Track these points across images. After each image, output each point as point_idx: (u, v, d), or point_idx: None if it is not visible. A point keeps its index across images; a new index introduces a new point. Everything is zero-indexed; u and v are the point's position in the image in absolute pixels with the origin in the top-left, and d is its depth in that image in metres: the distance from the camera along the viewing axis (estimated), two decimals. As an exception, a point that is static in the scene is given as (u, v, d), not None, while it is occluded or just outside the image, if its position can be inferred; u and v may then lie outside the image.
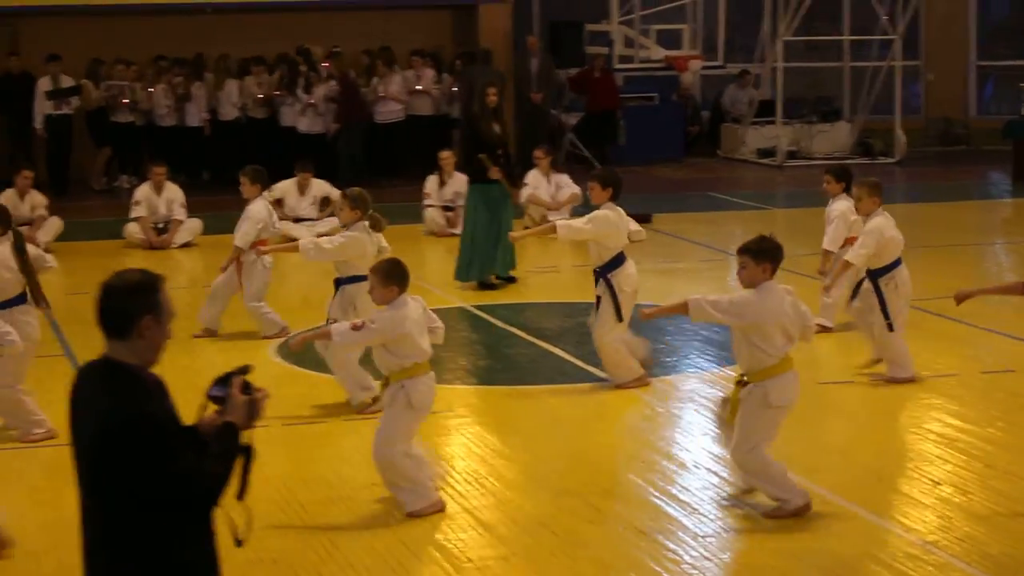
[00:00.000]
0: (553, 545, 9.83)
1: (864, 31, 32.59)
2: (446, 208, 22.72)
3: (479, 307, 17.46)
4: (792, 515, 10.17)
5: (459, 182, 22.78)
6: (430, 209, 22.54)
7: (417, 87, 29.18)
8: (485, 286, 18.40)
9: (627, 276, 13.69)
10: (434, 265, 21.03)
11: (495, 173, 18.26)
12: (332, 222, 22.07)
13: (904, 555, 9.62)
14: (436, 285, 18.80)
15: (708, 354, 15.12)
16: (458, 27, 31.27)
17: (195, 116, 28.35)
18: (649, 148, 30.57)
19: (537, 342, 15.77)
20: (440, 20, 31.19)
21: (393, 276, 10.50)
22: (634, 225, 14.24)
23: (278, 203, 22.18)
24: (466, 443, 12.41)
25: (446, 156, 23.13)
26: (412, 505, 10.41)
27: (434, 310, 16.49)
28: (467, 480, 11.32)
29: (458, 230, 22.42)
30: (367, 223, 13.52)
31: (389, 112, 28.93)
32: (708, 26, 31.85)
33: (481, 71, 27.92)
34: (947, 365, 14.34)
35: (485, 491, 11.11)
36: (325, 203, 22.52)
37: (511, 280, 18.63)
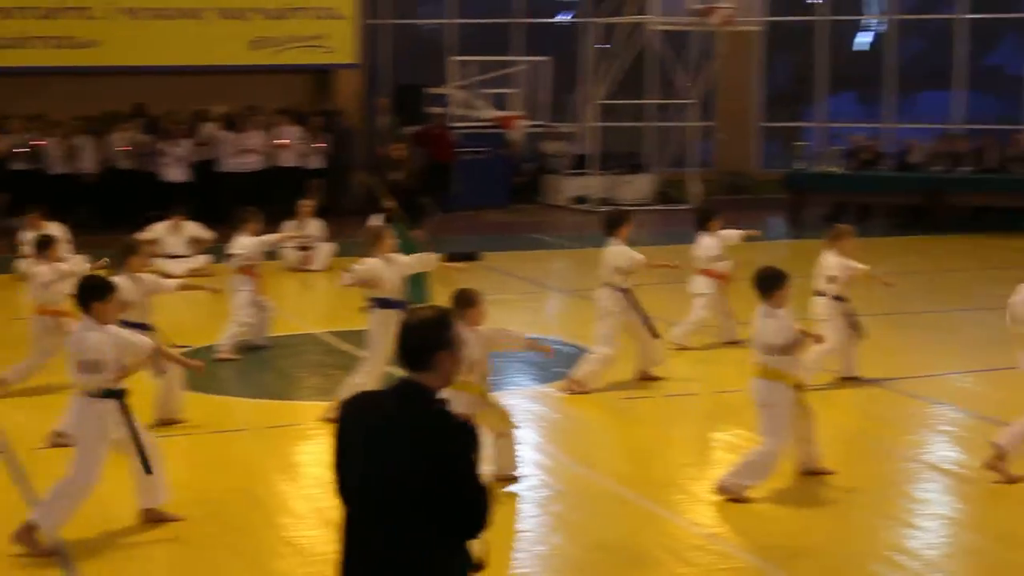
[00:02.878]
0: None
1: (666, 96, 32.94)
2: (302, 248, 22.68)
3: (331, 333, 17.38)
4: None
5: (313, 226, 22.81)
6: (288, 248, 22.43)
7: (281, 140, 29.05)
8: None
9: None
10: (291, 296, 20.99)
11: (389, 205, 18.23)
12: (203, 259, 22.01)
13: (691, 546, 9.72)
14: (293, 314, 18.74)
15: (529, 373, 15.15)
16: (317, 89, 31.18)
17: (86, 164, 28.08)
18: (480, 195, 30.67)
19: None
20: (300, 83, 31.09)
21: None
22: None
23: (154, 243, 22.03)
24: (316, 452, 12.34)
25: (306, 204, 23.13)
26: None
27: (290, 336, 16.64)
28: (317, 485, 11.26)
29: (314, 267, 22.45)
30: None
31: (251, 162, 28.75)
32: (532, 90, 32.03)
33: (378, 131, 28.21)
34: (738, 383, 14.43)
35: (333, 494, 11.04)
36: (196, 242, 22.39)
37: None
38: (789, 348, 10.69)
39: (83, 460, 9.74)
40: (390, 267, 13.36)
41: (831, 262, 14.45)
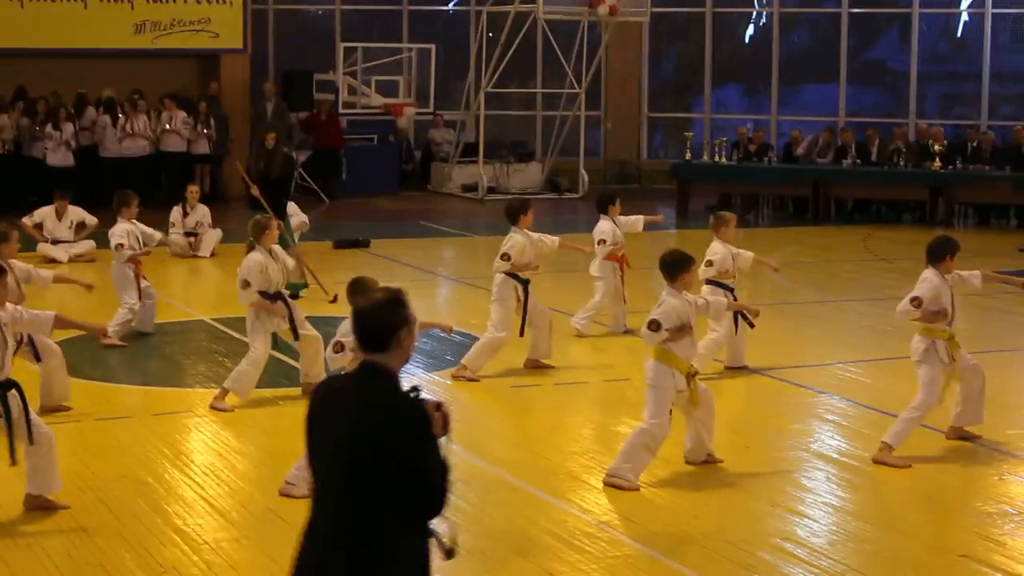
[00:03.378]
0: (281, 529, 9.74)
1: (554, 85, 33.03)
2: (189, 234, 22.50)
3: (218, 320, 17.25)
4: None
5: (201, 212, 22.64)
6: (174, 234, 22.22)
7: (167, 126, 28.81)
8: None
9: None
10: (178, 283, 20.85)
11: (254, 191, 18.13)
12: (88, 244, 21.74)
13: (582, 533, 9.76)
14: (180, 301, 18.61)
15: (419, 361, 15.13)
16: (202, 73, 30.94)
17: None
18: (368, 182, 30.62)
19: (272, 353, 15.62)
20: (186, 67, 30.83)
21: None
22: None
23: (39, 227, 21.75)
24: (204, 440, 12.26)
25: (192, 190, 22.98)
26: None
27: (177, 323, 16.50)
28: (204, 472, 11.19)
29: (201, 253, 22.26)
30: None
31: (137, 148, 28.51)
32: (421, 78, 32.01)
33: (260, 117, 27.99)
34: (629, 371, 14.48)
35: (220, 482, 11.00)
36: (81, 227, 22.11)
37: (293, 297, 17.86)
38: (675, 333, 10.76)
39: None
40: (273, 261, 13.34)
41: (714, 248, 14.56)
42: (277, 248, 13.62)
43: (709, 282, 14.39)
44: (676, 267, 11.03)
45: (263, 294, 13.24)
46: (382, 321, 5.65)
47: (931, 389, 11.59)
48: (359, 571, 5.52)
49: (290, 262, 13.90)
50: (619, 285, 16.50)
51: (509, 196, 30.32)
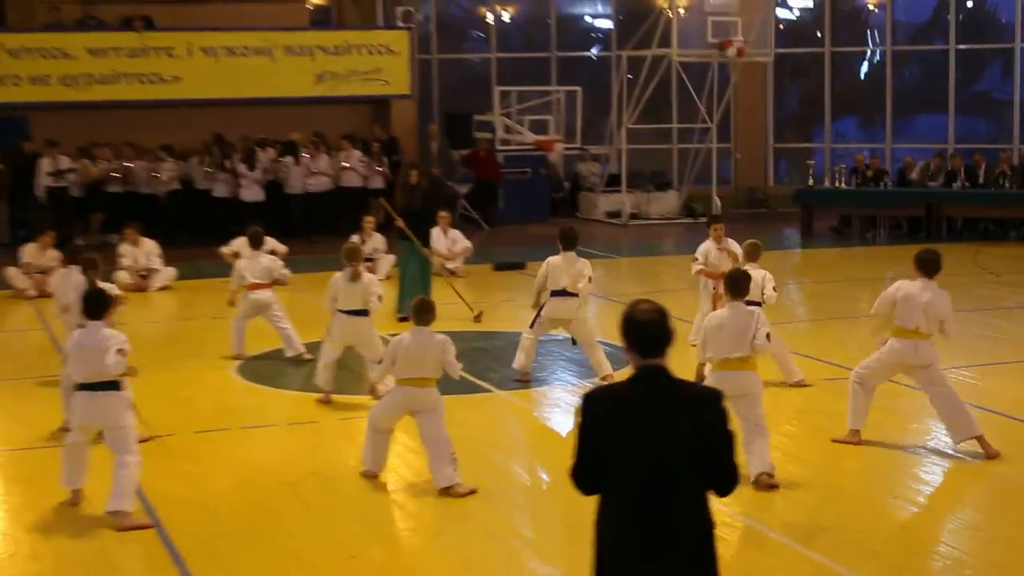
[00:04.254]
0: (451, 519, 9.78)
1: (688, 120, 32.95)
2: (367, 259, 22.67)
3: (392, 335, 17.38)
4: None
5: (376, 240, 22.84)
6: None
7: (345, 164, 29.17)
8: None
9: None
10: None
11: (399, 223, 18.19)
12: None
13: (720, 522, 9.71)
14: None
15: (571, 370, 15.16)
16: (376, 117, 31.28)
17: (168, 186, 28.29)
18: (523, 211, 30.71)
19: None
20: (361, 111, 31.18)
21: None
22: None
23: (236, 255, 22.09)
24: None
25: (369, 220, 23.22)
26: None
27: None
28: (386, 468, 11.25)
29: (378, 276, 22.45)
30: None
31: (319, 184, 28.90)
32: (569, 117, 32.07)
33: (427, 155, 28.31)
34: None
35: (399, 477, 11.04)
36: (272, 255, 22.37)
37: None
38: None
39: None
40: (352, 285, 13.71)
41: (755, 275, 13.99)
42: (366, 274, 13.87)
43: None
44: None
45: (341, 311, 13.67)
46: (666, 329, 5.72)
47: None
48: (708, 547, 5.68)
49: (375, 288, 13.86)
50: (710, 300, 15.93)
51: (650, 221, 30.45)
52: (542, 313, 14.35)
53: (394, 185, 23.92)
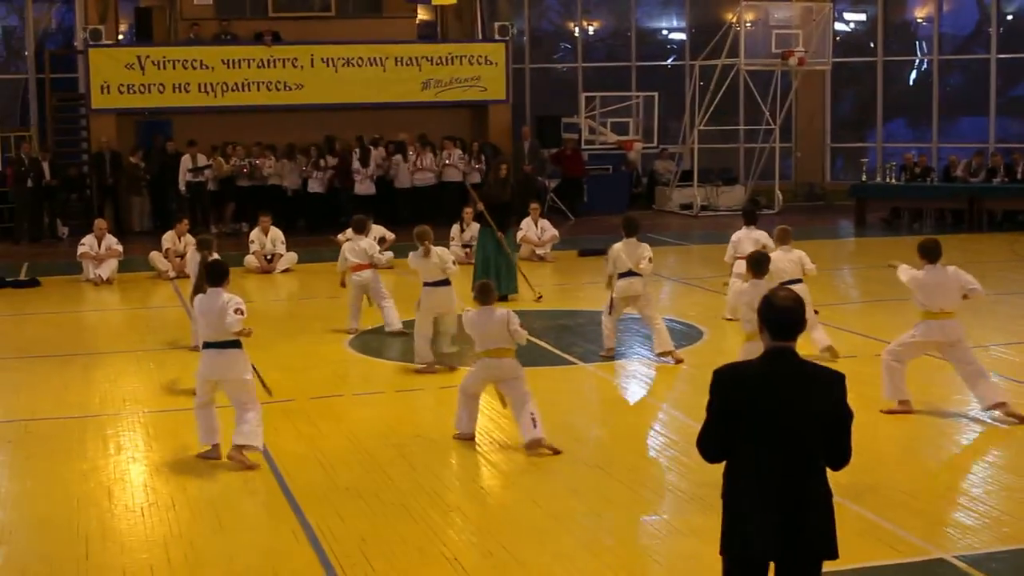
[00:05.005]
0: (542, 478, 9.75)
1: (753, 122, 32.63)
2: (465, 246, 22.71)
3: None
4: None
5: (474, 228, 22.75)
6: (454, 247, 22.45)
7: (447, 162, 29.20)
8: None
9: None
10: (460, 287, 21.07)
11: (480, 207, 18.04)
12: (388, 255, 22.05)
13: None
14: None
15: (647, 345, 15.06)
16: (475, 120, 31.27)
17: (292, 182, 28.43)
18: (605, 203, 30.53)
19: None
20: (461, 115, 31.18)
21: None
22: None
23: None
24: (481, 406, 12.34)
25: (468, 211, 23.17)
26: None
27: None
28: (480, 433, 11.22)
29: (475, 261, 22.45)
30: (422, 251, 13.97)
31: (425, 179, 28.97)
32: (647, 119, 31.88)
33: (494, 153, 28.14)
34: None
35: (492, 440, 11.05)
36: (381, 241, 22.43)
37: (504, 299, 18.12)
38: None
39: None
40: (426, 260, 13.97)
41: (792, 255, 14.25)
42: (435, 249, 14.03)
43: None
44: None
45: (425, 283, 13.97)
46: (800, 316, 5.66)
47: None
48: (830, 515, 5.62)
49: (447, 257, 14.20)
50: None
51: (718, 213, 30.22)
52: (614, 295, 14.25)
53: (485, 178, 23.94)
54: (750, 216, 17.34)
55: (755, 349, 10.23)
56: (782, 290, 5.77)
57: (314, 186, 28.22)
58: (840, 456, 5.65)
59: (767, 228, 15.87)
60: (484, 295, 10.88)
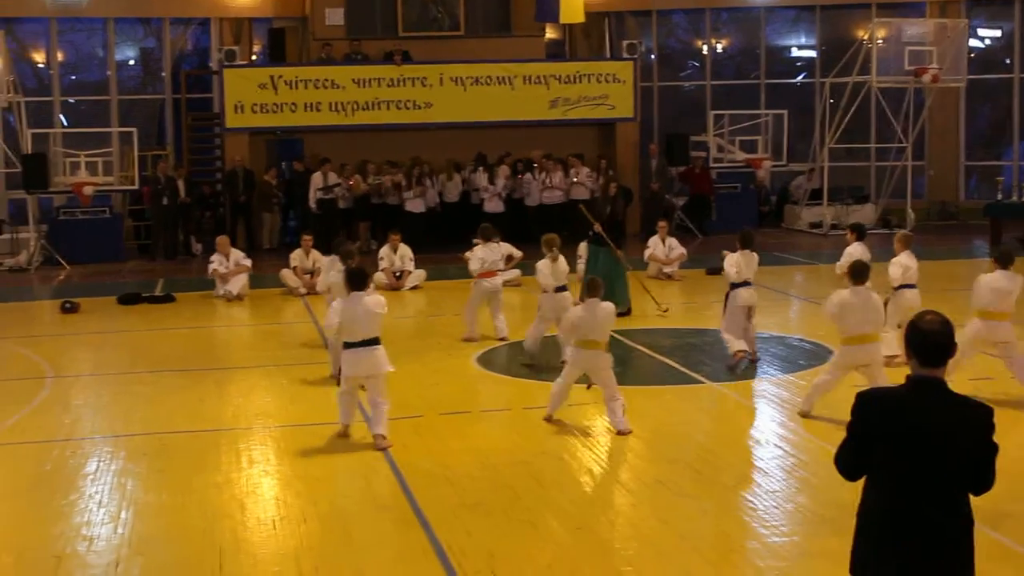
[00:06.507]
0: (667, 497, 9.67)
1: (885, 140, 32.17)
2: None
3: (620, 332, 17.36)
4: None
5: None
6: (580, 265, 22.26)
7: (575, 179, 29.22)
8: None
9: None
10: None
11: (596, 227, 18.14)
12: (514, 272, 22.11)
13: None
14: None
15: (775, 365, 14.91)
16: (603, 138, 31.25)
17: (420, 203, 28.60)
18: (733, 222, 30.14)
19: (654, 355, 15.68)
20: (589, 133, 31.18)
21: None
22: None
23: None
24: (603, 424, 12.31)
25: (596, 227, 23.11)
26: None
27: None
28: (600, 448, 11.21)
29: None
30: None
31: (554, 197, 29.01)
32: (776, 137, 31.59)
33: (646, 172, 28.15)
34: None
35: (616, 456, 11.01)
36: (509, 259, 22.49)
37: (623, 314, 17.60)
38: None
39: None
40: (554, 266, 14.99)
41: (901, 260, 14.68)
42: (561, 257, 15.01)
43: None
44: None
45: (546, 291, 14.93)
46: (948, 340, 5.46)
47: None
48: (970, 546, 5.51)
49: (565, 267, 15.22)
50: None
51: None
52: (728, 303, 14.67)
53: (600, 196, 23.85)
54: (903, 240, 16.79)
55: (847, 352, 11.62)
56: (929, 313, 5.58)
57: (491, 205, 28.36)
58: (980, 486, 5.50)
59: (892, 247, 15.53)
60: (594, 290, 11.92)
